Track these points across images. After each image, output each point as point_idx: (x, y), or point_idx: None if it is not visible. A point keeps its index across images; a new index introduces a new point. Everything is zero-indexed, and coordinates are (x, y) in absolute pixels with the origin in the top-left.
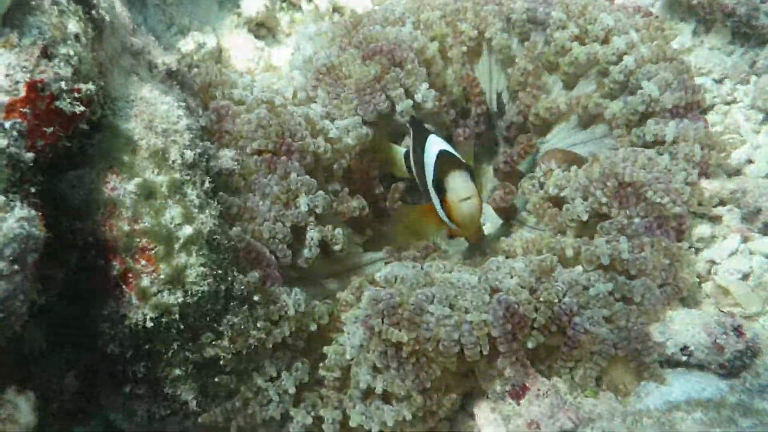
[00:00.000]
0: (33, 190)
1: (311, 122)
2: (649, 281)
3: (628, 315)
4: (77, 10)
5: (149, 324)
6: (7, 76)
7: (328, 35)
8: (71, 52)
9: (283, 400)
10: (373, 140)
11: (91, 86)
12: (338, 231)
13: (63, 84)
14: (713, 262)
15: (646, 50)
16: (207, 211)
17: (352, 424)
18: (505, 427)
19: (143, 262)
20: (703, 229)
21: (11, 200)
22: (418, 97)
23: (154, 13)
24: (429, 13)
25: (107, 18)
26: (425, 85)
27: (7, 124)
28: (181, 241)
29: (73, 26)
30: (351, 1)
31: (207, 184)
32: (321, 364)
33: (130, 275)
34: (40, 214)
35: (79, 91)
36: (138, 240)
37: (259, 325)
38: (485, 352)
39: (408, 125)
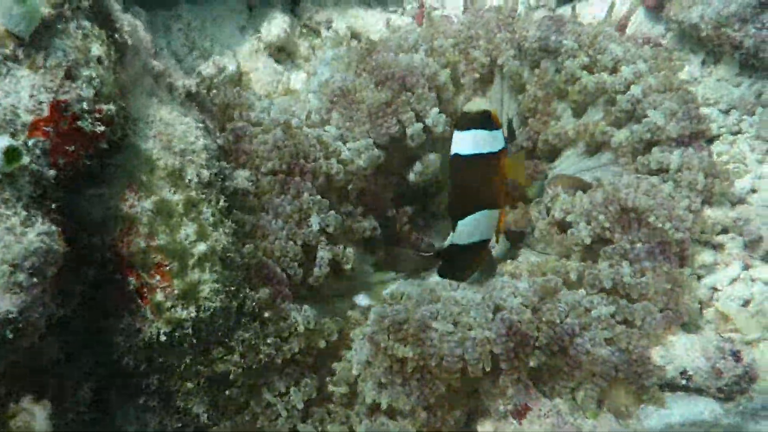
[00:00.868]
0: (54, 206)
1: (324, 144)
2: (651, 305)
3: (629, 338)
4: (101, 34)
5: (163, 338)
6: (31, 96)
7: (344, 61)
8: (93, 74)
9: (291, 415)
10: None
11: (112, 107)
12: (349, 250)
13: (85, 105)
14: (715, 289)
15: (654, 80)
16: (221, 229)
17: None
18: None
19: (158, 277)
20: (705, 256)
21: (32, 215)
22: (429, 121)
23: (177, 37)
24: (442, 40)
25: (130, 41)
26: (435, 110)
27: (31, 142)
28: (195, 257)
29: (96, 49)
30: (369, 26)
31: (222, 203)
32: (329, 380)
33: (146, 290)
34: (59, 229)
35: (100, 111)
36: (154, 256)
37: (269, 341)
38: (488, 369)
39: None
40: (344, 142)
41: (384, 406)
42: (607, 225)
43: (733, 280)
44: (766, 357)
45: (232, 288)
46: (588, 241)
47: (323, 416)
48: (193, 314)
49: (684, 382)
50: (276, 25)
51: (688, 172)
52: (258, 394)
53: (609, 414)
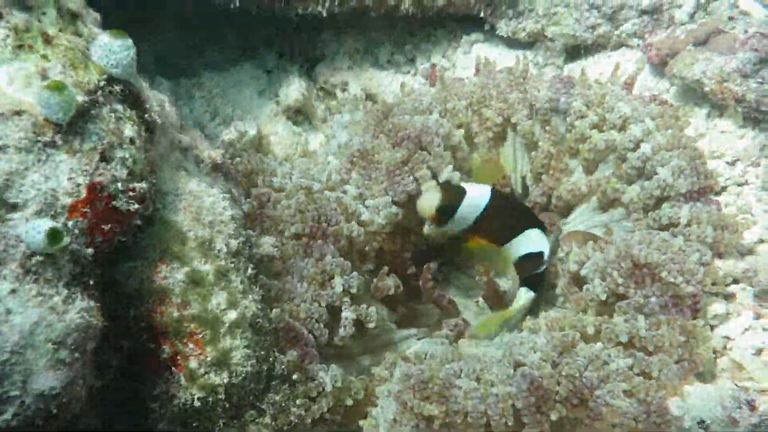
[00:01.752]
0: (92, 282)
1: (344, 206)
2: (666, 357)
3: (647, 389)
4: (132, 115)
5: (197, 403)
6: (69, 179)
7: (361, 124)
8: (127, 155)
9: None
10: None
11: (144, 185)
12: (372, 309)
13: (119, 185)
14: (728, 338)
15: (662, 138)
16: (250, 296)
17: None
18: None
19: (191, 345)
20: (717, 306)
21: (72, 293)
22: (443, 177)
23: (199, 105)
24: (455, 101)
25: (158, 120)
26: (450, 167)
27: (70, 224)
28: (227, 325)
29: (129, 131)
30: (383, 87)
31: (250, 271)
32: None
33: (179, 358)
34: (98, 305)
35: (133, 190)
36: (187, 325)
37: (298, 402)
38: (510, 424)
39: None
40: (363, 201)
41: None
42: (620, 281)
43: (746, 330)
44: None
45: (262, 353)
46: (603, 297)
47: None
48: (225, 380)
49: (702, 431)
50: (293, 89)
51: (697, 226)
52: None
53: None
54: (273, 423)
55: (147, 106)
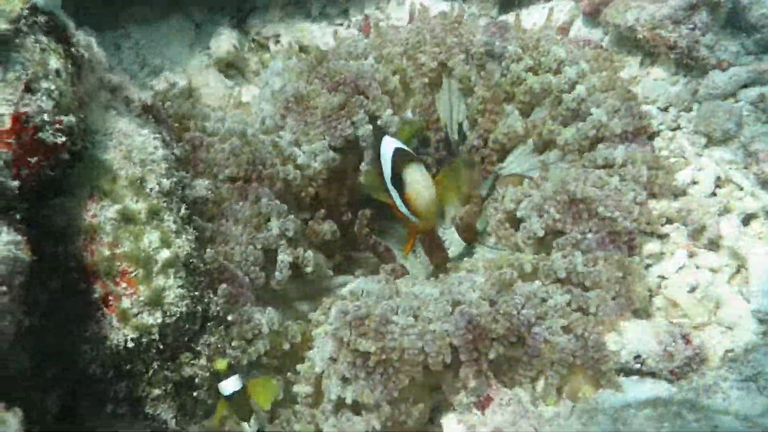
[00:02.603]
0: (18, 216)
1: (279, 149)
2: (604, 293)
3: (585, 325)
4: (57, 48)
5: (130, 344)
6: None
7: (295, 70)
8: (53, 87)
9: (258, 417)
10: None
11: (71, 118)
12: (309, 253)
13: (45, 116)
14: (663, 277)
15: (597, 80)
16: (183, 236)
17: None
18: None
19: (123, 284)
20: (652, 246)
21: None
22: (382, 122)
23: (127, 55)
24: (390, 47)
25: (86, 55)
26: (389, 111)
27: None
28: (160, 264)
29: (54, 62)
30: (315, 39)
31: (183, 211)
32: (293, 381)
33: (111, 298)
34: (25, 238)
35: (60, 122)
36: (118, 264)
37: (234, 344)
38: (447, 362)
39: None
40: (299, 147)
41: (349, 401)
42: (557, 216)
43: (680, 268)
44: (714, 339)
45: (197, 293)
46: (541, 233)
47: (289, 417)
48: (159, 320)
49: (638, 366)
50: (224, 41)
51: (632, 166)
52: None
53: (567, 401)
54: (208, 365)
55: (73, 40)
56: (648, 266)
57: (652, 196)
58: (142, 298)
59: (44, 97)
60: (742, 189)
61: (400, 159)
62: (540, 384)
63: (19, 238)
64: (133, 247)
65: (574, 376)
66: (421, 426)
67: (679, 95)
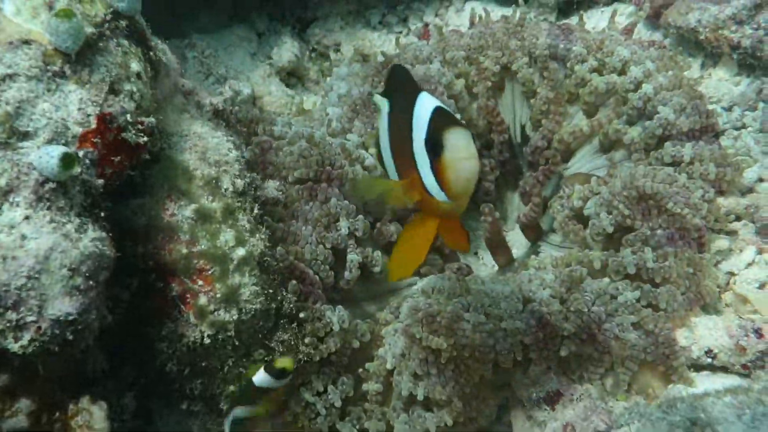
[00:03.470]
0: (102, 214)
1: (348, 151)
2: (674, 289)
3: (655, 321)
4: (137, 52)
5: (206, 341)
6: (79, 109)
7: (361, 74)
8: (134, 89)
9: (330, 413)
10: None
11: (152, 119)
12: (377, 253)
13: (128, 117)
14: (732, 273)
15: (663, 78)
16: (257, 235)
17: None
18: (541, 431)
19: (200, 282)
20: (720, 242)
21: (85, 222)
22: None
23: (192, 65)
24: (454, 52)
25: (163, 59)
26: (458, 116)
27: (81, 153)
28: (235, 262)
29: (135, 65)
30: (375, 47)
31: (256, 211)
32: (363, 378)
33: (188, 295)
34: (109, 235)
35: (141, 123)
36: (195, 261)
37: (306, 341)
38: (518, 358)
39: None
40: (366, 149)
41: (420, 397)
42: (627, 212)
43: (749, 264)
44: None
45: (271, 291)
46: (610, 229)
47: (360, 414)
48: (235, 316)
49: (709, 360)
50: (286, 50)
51: (699, 163)
52: (297, 394)
53: (638, 396)
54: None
55: (152, 44)
56: (718, 263)
57: (720, 193)
58: (218, 295)
59: (126, 99)
60: None
61: (442, 120)
62: (610, 380)
63: (104, 234)
64: (209, 245)
65: (644, 373)
66: (490, 423)
67: (744, 94)
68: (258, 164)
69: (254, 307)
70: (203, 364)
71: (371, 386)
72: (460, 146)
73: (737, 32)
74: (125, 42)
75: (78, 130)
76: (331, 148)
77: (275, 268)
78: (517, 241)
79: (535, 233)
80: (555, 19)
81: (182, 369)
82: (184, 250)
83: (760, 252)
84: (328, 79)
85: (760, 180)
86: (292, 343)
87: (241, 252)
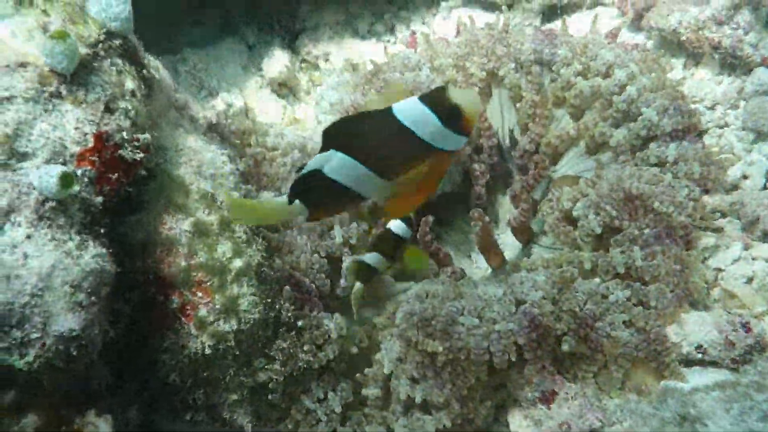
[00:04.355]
0: (102, 231)
1: None
2: (663, 286)
3: (646, 318)
4: (131, 70)
5: (208, 351)
6: (76, 128)
7: (351, 83)
8: (129, 107)
9: (331, 419)
10: None
11: (147, 136)
12: None
13: (124, 134)
14: (719, 269)
15: (647, 80)
16: (254, 245)
17: None
18: (538, 430)
19: (200, 294)
20: (707, 239)
21: (85, 240)
22: None
23: (185, 79)
24: (442, 59)
25: (156, 76)
26: None
27: (79, 171)
28: (233, 273)
29: (130, 84)
30: (365, 57)
31: None
32: (362, 383)
33: (188, 307)
34: (109, 251)
35: (137, 140)
36: (194, 274)
37: (305, 348)
38: (513, 359)
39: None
40: None
41: (418, 400)
42: (614, 213)
43: (736, 260)
44: None
45: (269, 300)
46: (599, 230)
47: (360, 419)
48: (235, 326)
49: (699, 355)
50: (276, 61)
51: (684, 163)
52: (298, 401)
53: (631, 394)
54: (282, 369)
55: (145, 62)
56: (705, 259)
57: (706, 191)
58: (218, 306)
59: (122, 116)
60: None
61: (432, 96)
62: (604, 377)
63: (104, 251)
64: (208, 257)
65: (637, 369)
66: (487, 424)
67: (726, 93)
68: (253, 176)
69: (253, 316)
70: (205, 375)
71: (370, 391)
72: (461, 93)
73: (717, 32)
74: (119, 61)
75: (75, 149)
76: None
77: (273, 278)
78: (509, 244)
79: (526, 236)
80: (539, 23)
81: (185, 380)
82: (183, 263)
83: (746, 247)
84: (319, 88)
85: (744, 177)
86: (292, 351)
87: (238, 263)
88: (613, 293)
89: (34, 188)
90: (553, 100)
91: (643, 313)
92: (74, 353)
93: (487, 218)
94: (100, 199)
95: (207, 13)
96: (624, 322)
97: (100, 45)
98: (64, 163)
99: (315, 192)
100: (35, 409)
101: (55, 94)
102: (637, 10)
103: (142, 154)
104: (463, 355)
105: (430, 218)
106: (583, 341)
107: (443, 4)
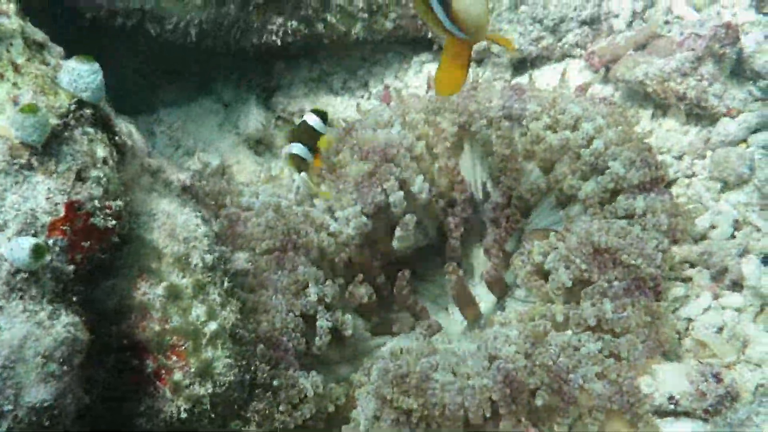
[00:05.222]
0: (74, 299)
1: (312, 219)
2: (634, 338)
3: (618, 370)
4: (103, 137)
5: (183, 415)
6: (47, 199)
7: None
8: (101, 175)
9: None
10: None
11: (119, 203)
12: (347, 317)
13: (96, 202)
14: (689, 319)
15: (613, 133)
16: (228, 307)
17: None
18: None
19: (174, 357)
20: (677, 290)
21: (57, 309)
22: (415, 188)
23: (161, 139)
24: (413, 114)
25: (128, 142)
26: (420, 178)
27: (51, 242)
28: (208, 336)
29: (101, 152)
30: (338, 113)
31: (226, 284)
32: None
33: (163, 371)
34: (82, 319)
35: (110, 207)
36: (169, 338)
37: (281, 408)
38: (487, 415)
39: None
40: (333, 213)
41: None
42: (584, 267)
43: (706, 309)
44: (744, 377)
45: (244, 362)
46: (569, 283)
47: None
48: (210, 390)
49: (672, 406)
50: (252, 119)
51: (652, 215)
52: None
53: None
54: (258, 430)
55: (117, 129)
56: (675, 310)
57: (674, 242)
58: (193, 370)
59: (94, 185)
60: (759, 230)
61: None
62: (579, 430)
63: (77, 319)
64: (182, 321)
65: (611, 421)
66: None
67: (692, 144)
68: (227, 236)
69: (228, 379)
70: None
71: None
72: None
73: (682, 84)
74: (90, 129)
75: (47, 219)
76: (297, 217)
77: (248, 339)
78: (485, 295)
79: (500, 288)
80: (510, 76)
81: None
82: (157, 328)
83: (715, 297)
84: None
85: (713, 227)
86: (267, 411)
87: (213, 326)
88: (585, 345)
89: (5, 260)
90: (523, 153)
91: (614, 366)
92: (47, 423)
93: (461, 271)
94: (72, 267)
95: (185, 72)
96: (597, 375)
97: (71, 115)
98: (35, 234)
99: None
100: None
101: (26, 166)
102: (604, 62)
103: (114, 221)
104: (438, 411)
105: (407, 272)
106: (557, 394)
107: (415, 58)
